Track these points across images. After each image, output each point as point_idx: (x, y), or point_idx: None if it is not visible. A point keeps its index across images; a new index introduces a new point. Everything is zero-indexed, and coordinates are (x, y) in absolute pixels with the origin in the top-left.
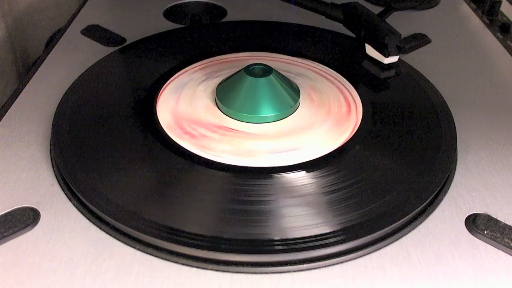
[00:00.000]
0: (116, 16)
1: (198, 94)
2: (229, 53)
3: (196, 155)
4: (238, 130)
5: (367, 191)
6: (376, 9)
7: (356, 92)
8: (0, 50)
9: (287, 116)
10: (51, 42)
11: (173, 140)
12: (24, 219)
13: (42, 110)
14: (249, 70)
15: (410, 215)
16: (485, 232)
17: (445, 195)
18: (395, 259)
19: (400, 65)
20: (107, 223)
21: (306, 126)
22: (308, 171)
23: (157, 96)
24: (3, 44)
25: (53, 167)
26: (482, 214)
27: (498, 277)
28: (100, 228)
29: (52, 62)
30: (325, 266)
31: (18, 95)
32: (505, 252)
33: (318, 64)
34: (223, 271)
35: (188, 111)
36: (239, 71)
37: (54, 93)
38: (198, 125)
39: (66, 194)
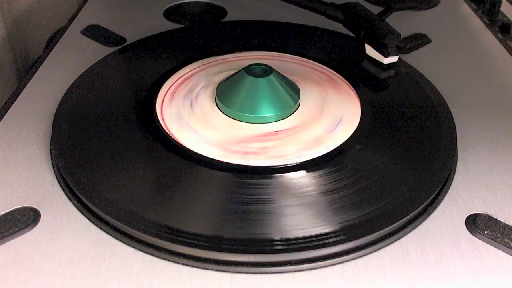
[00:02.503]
0: (116, 16)
1: (198, 94)
2: (229, 53)
3: (195, 154)
4: (237, 130)
5: (367, 191)
6: (376, 9)
7: (356, 92)
8: (0, 50)
9: (287, 116)
10: (51, 42)
11: (173, 140)
12: (24, 219)
13: (42, 110)
14: (249, 70)
15: (410, 215)
16: (485, 232)
17: (445, 195)
18: (395, 259)
19: (400, 65)
20: (107, 223)
21: (306, 126)
22: (308, 171)
23: (157, 96)
24: (3, 44)
25: (53, 167)
26: (482, 214)
27: (498, 277)
28: (100, 228)
29: (52, 62)
30: (325, 266)
31: (18, 95)
32: (505, 252)
33: (318, 64)
34: (223, 271)
35: (187, 110)
36: (239, 71)
37: (54, 93)
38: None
39: (66, 194)
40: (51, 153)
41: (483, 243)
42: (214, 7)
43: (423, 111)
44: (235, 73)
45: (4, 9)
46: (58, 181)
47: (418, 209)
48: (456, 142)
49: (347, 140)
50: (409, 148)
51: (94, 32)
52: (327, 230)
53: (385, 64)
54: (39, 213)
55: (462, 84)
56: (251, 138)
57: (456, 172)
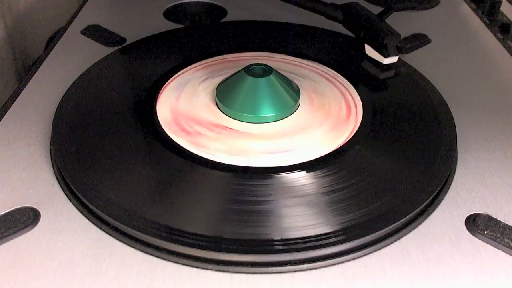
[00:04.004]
0: (116, 16)
1: (198, 94)
2: (229, 53)
3: (196, 155)
4: (236, 130)
5: (367, 191)
6: (376, 9)
7: (356, 92)
8: (0, 50)
9: (287, 116)
10: (51, 42)
11: (173, 141)
12: (24, 219)
13: (42, 110)
14: (249, 70)
15: (410, 215)
16: (485, 232)
17: (445, 195)
18: (395, 259)
19: (400, 65)
20: (107, 223)
21: (306, 126)
22: (308, 171)
23: (157, 96)
24: (3, 44)
25: (53, 167)
26: (482, 214)
27: (498, 277)
28: (100, 228)
29: (52, 62)
30: (325, 266)
31: (18, 95)
32: (505, 252)
33: (318, 64)
34: (223, 271)
35: (187, 109)
36: (239, 71)
37: (54, 93)
38: (195, 122)
39: (66, 194)
40: (51, 153)
41: (483, 243)
42: (214, 7)
43: (423, 111)
44: (235, 73)
45: (4, 9)
46: (58, 181)
47: (418, 209)
48: (456, 142)
49: (347, 140)
50: (409, 148)
51: (94, 32)
52: (327, 230)
53: (385, 65)
54: (39, 213)
55: (462, 84)
56: (237, 136)
57: (456, 172)
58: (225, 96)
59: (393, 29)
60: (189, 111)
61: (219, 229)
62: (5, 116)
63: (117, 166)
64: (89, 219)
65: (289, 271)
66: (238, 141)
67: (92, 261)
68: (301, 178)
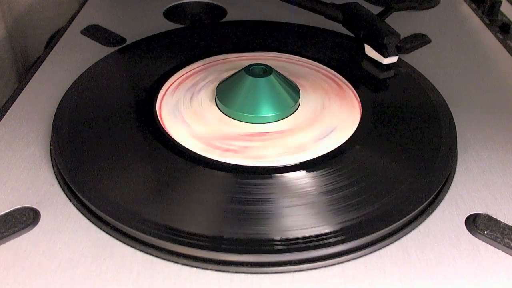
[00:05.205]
0: (116, 16)
1: (198, 94)
2: (229, 53)
3: (196, 155)
4: (236, 130)
5: (367, 191)
6: (376, 9)
7: (356, 92)
8: (0, 50)
9: (287, 116)
10: (51, 42)
11: (173, 140)
12: (24, 219)
13: (42, 110)
14: (249, 70)
15: (410, 215)
16: (485, 232)
17: (445, 195)
18: (395, 259)
19: (400, 65)
20: (107, 223)
21: (306, 126)
22: (308, 171)
23: (157, 96)
24: (3, 44)
25: (53, 167)
26: (482, 214)
27: (498, 277)
28: (100, 228)
29: (52, 62)
30: (325, 266)
31: (18, 95)
32: (505, 252)
33: (318, 64)
34: (223, 271)
35: (187, 110)
36: (239, 71)
37: (54, 93)
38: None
39: (66, 194)
40: (51, 153)
41: (483, 243)
42: (214, 7)
43: (423, 111)
44: (235, 73)
45: (5, 9)
46: (58, 181)
47: (418, 209)
48: (456, 142)
49: (347, 140)
50: (409, 148)
51: (94, 32)
52: (327, 230)
53: (384, 65)
54: (39, 213)
55: (462, 84)
56: (237, 136)
57: (456, 172)
58: (225, 96)
59: (393, 29)
60: (189, 111)
61: (219, 229)
62: (5, 116)
63: (117, 166)
64: (89, 219)
65: (289, 271)
66: (238, 141)
67: (92, 261)
68: (301, 178)
